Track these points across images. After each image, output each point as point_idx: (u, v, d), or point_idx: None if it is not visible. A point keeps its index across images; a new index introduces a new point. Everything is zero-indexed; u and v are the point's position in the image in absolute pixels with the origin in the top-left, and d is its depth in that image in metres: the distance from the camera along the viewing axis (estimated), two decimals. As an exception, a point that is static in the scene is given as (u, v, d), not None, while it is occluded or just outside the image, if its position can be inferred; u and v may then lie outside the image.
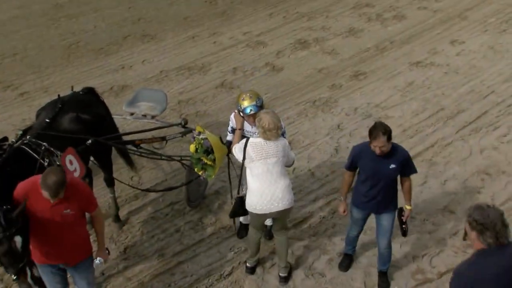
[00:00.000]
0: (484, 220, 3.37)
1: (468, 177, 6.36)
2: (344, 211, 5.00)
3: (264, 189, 4.70)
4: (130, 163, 6.04)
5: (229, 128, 5.34)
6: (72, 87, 5.47)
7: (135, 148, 5.67)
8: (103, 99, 5.60)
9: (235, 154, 4.87)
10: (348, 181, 4.89)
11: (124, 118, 6.32)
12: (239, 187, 5.11)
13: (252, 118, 4.99)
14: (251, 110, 4.98)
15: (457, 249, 5.44)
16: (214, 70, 8.47)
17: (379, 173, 4.61)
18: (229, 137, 5.35)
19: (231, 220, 5.75)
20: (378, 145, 4.51)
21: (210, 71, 8.46)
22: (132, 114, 6.17)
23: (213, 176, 5.24)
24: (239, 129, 5.11)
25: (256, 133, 4.92)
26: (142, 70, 8.48)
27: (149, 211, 6.01)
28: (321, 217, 5.88)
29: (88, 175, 5.56)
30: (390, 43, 9.09)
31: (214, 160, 5.13)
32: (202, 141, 5.14)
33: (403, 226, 4.87)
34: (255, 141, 4.74)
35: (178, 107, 7.65)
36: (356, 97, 7.80)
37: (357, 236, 5.19)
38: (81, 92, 5.39)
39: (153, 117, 6.13)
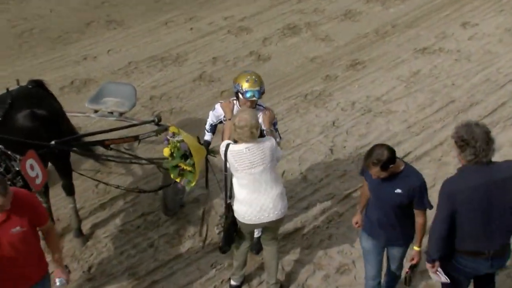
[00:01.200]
0: (467, 137, 3.98)
1: (482, 179, 6.44)
2: (356, 223, 4.87)
3: (253, 199, 4.77)
4: (98, 160, 6.04)
5: (207, 126, 5.39)
6: (18, 81, 5.47)
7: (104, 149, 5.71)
8: (51, 93, 5.62)
9: (221, 153, 4.86)
10: (365, 193, 4.77)
11: (88, 116, 6.33)
12: (226, 207, 5.04)
13: (249, 104, 5.02)
14: (253, 95, 5.00)
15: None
16: (191, 61, 8.51)
17: (383, 196, 4.52)
18: (207, 136, 5.40)
19: (210, 231, 5.80)
20: (371, 173, 4.42)
21: (186, 62, 8.50)
22: (96, 111, 6.19)
23: (194, 183, 5.25)
24: (229, 119, 5.11)
25: None
26: (108, 62, 8.50)
27: (118, 223, 6.03)
28: (315, 227, 5.95)
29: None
30: (392, 27, 9.19)
31: (193, 165, 5.15)
32: (178, 144, 5.12)
33: (407, 271, 4.68)
34: (236, 149, 4.71)
35: (150, 103, 7.68)
36: (353, 90, 7.88)
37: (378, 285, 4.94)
38: (29, 86, 5.41)
39: (121, 114, 6.16)
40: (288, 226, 5.92)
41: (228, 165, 4.79)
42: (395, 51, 8.62)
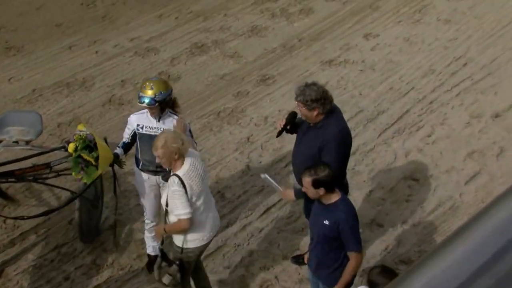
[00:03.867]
0: (320, 94, 4.63)
1: (395, 185, 6.67)
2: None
3: (207, 214, 4.77)
4: (6, 197, 5.83)
5: (120, 143, 5.41)
6: None
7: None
8: None
9: (177, 186, 4.53)
10: None
11: (-10, 148, 6.08)
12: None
13: (155, 110, 5.06)
14: (143, 101, 5.02)
15: (389, 265, 5.68)
16: (98, 85, 8.33)
17: (314, 222, 4.45)
18: (118, 150, 5.38)
19: (128, 258, 5.68)
20: (304, 184, 4.32)
21: (93, 86, 8.32)
22: (0, 142, 5.97)
23: (93, 177, 5.10)
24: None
25: (160, 129, 5.02)
26: (9, 90, 8.18)
27: (30, 258, 5.79)
28: (236, 245, 5.94)
29: None
30: (299, 41, 9.37)
31: (96, 159, 5.02)
32: (84, 135, 5.06)
33: None
34: (186, 169, 4.54)
35: (59, 131, 7.46)
36: (265, 105, 7.96)
37: None
38: None
39: (27, 142, 5.96)
40: (209, 246, 5.84)
41: (188, 195, 4.51)
42: (302, 65, 8.79)
